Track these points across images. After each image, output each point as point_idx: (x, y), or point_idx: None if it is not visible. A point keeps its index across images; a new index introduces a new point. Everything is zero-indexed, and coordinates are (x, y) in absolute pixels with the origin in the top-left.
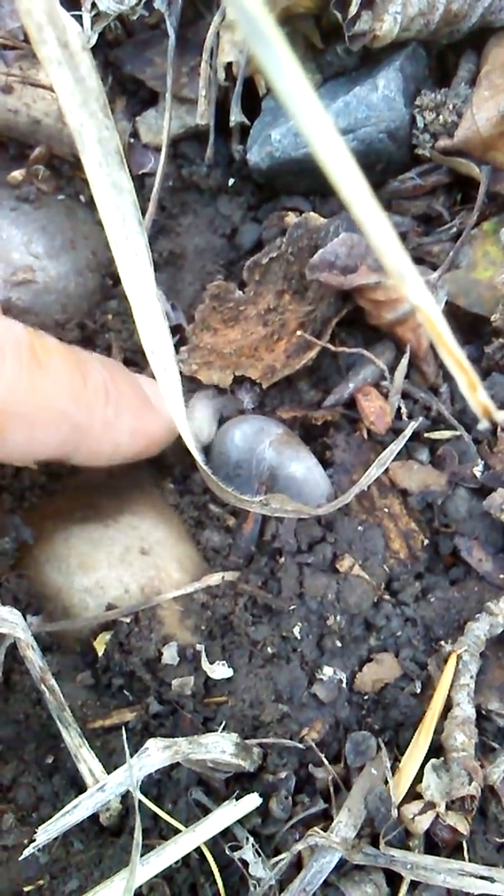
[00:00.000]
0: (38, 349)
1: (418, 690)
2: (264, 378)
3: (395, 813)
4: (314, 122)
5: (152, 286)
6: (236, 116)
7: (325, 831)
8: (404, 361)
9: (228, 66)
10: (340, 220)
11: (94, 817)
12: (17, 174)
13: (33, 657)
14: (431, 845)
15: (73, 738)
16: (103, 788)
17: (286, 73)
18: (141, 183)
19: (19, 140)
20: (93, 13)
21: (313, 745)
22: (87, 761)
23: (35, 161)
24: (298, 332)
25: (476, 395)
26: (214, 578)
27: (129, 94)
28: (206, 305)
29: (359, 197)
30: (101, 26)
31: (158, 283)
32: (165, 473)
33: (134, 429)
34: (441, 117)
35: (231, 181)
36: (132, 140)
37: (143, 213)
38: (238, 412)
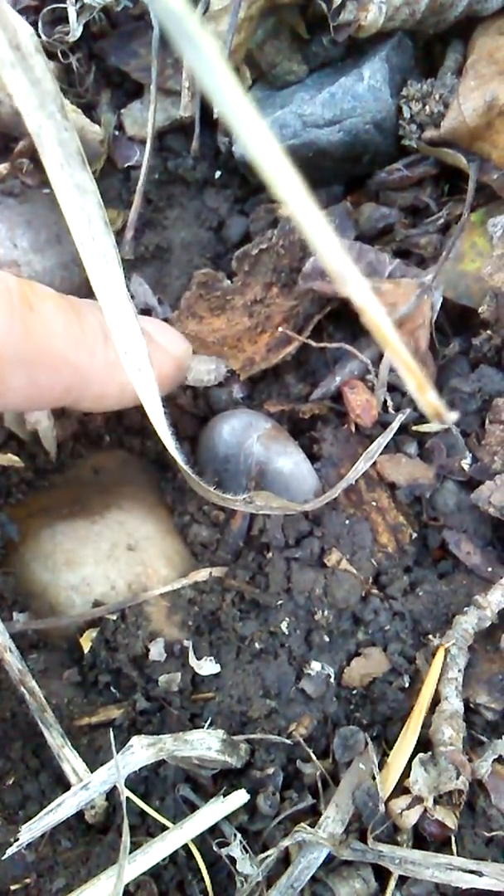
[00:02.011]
0: (30, 295)
1: (406, 684)
2: (243, 370)
3: (382, 808)
4: (248, 123)
5: (122, 287)
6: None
7: (312, 827)
8: (388, 354)
9: None
10: (333, 214)
11: (80, 815)
12: (1, 168)
13: (11, 660)
14: (420, 840)
15: (55, 738)
16: (87, 787)
17: (215, 72)
18: (126, 176)
19: (3, 132)
20: (77, 5)
21: (301, 740)
22: (70, 760)
23: (19, 154)
24: (281, 328)
25: (425, 396)
26: (202, 574)
27: (114, 86)
28: (192, 293)
29: (297, 199)
30: (86, 18)
31: (144, 278)
32: (152, 469)
33: None
34: (428, 108)
35: (217, 174)
36: (117, 132)
37: (129, 206)
38: (233, 401)
